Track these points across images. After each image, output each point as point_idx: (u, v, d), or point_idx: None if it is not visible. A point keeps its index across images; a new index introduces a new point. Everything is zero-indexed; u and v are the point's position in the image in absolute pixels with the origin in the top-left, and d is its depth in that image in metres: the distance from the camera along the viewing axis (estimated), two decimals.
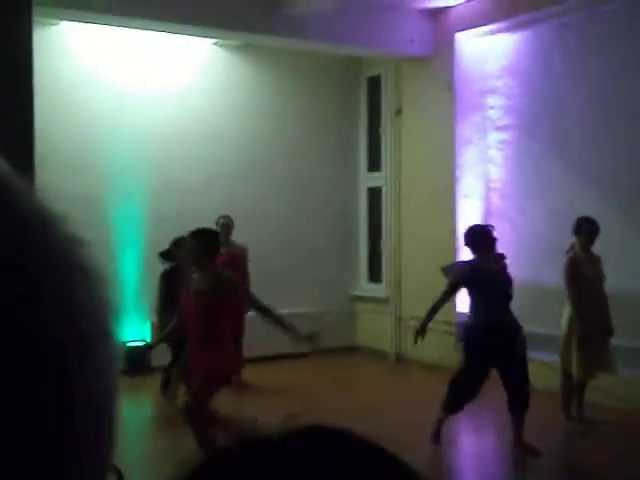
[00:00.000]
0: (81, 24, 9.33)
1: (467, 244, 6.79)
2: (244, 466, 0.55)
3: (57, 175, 9.40)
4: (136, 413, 8.32)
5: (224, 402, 8.41)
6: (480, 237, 6.70)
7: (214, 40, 10.40)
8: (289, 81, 11.30)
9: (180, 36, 9.79)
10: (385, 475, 0.57)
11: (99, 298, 0.52)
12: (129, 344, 9.32)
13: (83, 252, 0.52)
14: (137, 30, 9.41)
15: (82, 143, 9.66)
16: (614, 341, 7.22)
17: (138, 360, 8.85)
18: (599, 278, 7.04)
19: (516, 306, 7.12)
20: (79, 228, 0.53)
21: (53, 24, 9.38)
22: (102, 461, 0.53)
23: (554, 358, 7.43)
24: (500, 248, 6.94)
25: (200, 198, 10.22)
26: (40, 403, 0.47)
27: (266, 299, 10.63)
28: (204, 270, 5.61)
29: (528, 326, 7.48)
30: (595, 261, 7.11)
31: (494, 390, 6.82)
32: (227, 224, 8.84)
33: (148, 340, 9.07)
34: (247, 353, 10.02)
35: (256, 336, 10.30)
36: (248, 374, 9.42)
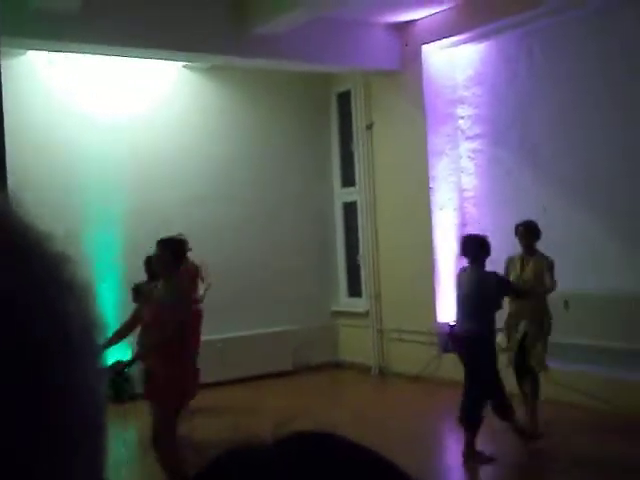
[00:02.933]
0: (49, 53, 9.32)
1: (460, 253, 7.11)
2: (242, 471, 0.57)
3: (32, 204, 9.37)
4: (122, 440, 8.26)
5: (201, 427, 8.38)
6: (469, 246, 6.94)
7: (184, 63, 10.42)
8: (259, 101, 11.34)
9: (150, 60, 9.80)
10: (378, 474, 0.59)
11: (84, 312, 0.53)
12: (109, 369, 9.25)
13: (68, 269, 0.53)
14: (107, 56, 9.40)
15: (53, 171, 9.62)
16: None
17: (120, 382, 8.80)
18: (527, 280, 7.23)
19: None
20: (64, 245, 0.55)
21: (20, 54, 9.37)
22: (95, 470, 0.54)
23: None
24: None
25: (175, 220, 10.17)
26: (29, 414, 0.48)
27: (246, 318, 10.72)
28: (169, 279, 5.59)
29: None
30: (533, 264, 7.27)
31: None
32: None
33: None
34: (226, 375, 10.03)
35: (235, 357, 10.31)
36: (229, 397, 9.40)
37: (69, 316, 0.52)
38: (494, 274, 6.88)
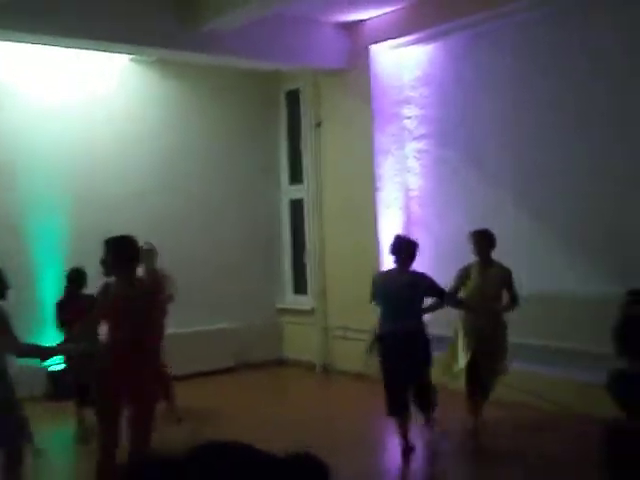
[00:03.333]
0: None
1: (392, 252, 7.02)
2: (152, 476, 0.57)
3: None
4: (61, 438, 8.16)
5: None
6: (403, 247, 6.93)
7: (131, 56, 10.31)
8: (208, 96, 11.28)
9: (98, 51, 9.67)
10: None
11: None
12: (51, 367, 9.13)
13: None
14: (53, 46, 9.25)
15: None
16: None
17: (62, 382, 8.69)
18: (487, 293, 7.25)
19: (441, 312, 7.32)
20: None
21: None
22: None
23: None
24: (420, 254, 7.10)
25: (118, 214, 10.09)
26: None
27: (190, 315, 10.65)
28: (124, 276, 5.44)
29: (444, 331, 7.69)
30: (495, 275, 7.27)
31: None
32: (150, 250, 8.49)
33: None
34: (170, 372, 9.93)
35: (177, 354, 10.23)
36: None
37: None
38: (428, 278, 6.97)
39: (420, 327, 6.86)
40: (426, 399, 7.05)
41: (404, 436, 6.88)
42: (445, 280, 7.37)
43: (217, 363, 10.78)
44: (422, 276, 6.94)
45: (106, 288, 5.41)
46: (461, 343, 7.36)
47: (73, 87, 10.17)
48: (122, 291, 5.33)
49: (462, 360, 7.34)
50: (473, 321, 7.27)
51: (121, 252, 5.38)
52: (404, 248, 6.92)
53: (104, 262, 5.43)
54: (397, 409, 6.86)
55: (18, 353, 5.19)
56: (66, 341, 6.91)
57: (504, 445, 7.19)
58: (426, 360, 6.88)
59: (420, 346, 6.81)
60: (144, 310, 5.38)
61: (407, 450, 6.88)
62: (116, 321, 5.33)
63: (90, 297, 7.39)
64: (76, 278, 8.03)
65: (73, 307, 7.74)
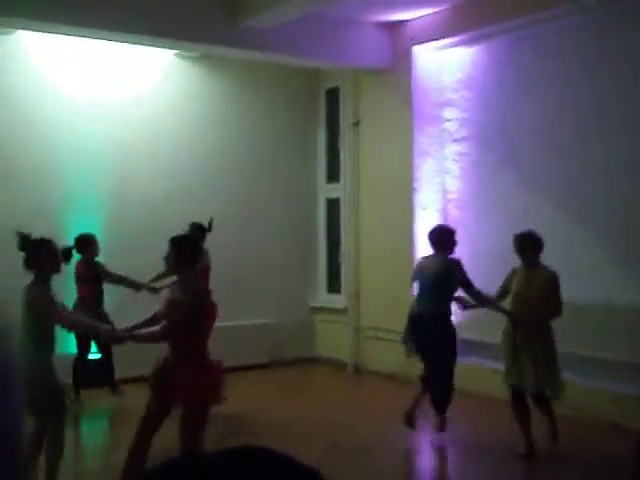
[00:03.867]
0: (40, 34, 9.26)
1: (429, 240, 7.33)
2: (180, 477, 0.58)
3: (13, 185, 9.34)
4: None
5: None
6: (435, 236, 7.27)
7: (175, 51, 10.38)
8: (249, 93, 11.33)
9: (142, 46, 9.75)
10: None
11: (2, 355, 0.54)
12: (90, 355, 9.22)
13: None
14: (98, 40, 9.34)
15: (39, 154, 9.58)
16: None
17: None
18: (533, 298, 6.80)
19: (471, 313, 7.30)
20: None
21: (7, 33, 9.30)
22: None
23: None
24: (457, 256, 7.17)
25: (158, 211, 10.19)
26: None
27: (226, 311, 10.66)
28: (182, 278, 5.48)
29: (474, 334, 7.66)
30: (532, 276, 6.86)
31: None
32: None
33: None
34: None
35: (210, 348, 10.27)
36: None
37: None
38: (459, 267, 7.14)
39: (445, 311, 7.09)
40: (439, 394, 7.04)
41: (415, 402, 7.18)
42: (483, 283, 7.32)
43: (251, 359, 10.81)
44: (453, 263, 7.15)
45: (196, 292, 5.37)
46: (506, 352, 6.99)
47: (117, 83, 10.25)
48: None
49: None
50: (509, 328, 6.96)
51: (184, 250, 5.42)
52: (440, 235, 7.24)
53: (167, 259, 5.48)
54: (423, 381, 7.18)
55: (65, 325, 5.44)
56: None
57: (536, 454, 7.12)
58: (444, 348, 6.99)
59: (442, 332, 7.02)
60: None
61: (407, 415, 7.18)
62: (200, 326, 5.35)
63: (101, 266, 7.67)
64: (90, 244, 8.30)
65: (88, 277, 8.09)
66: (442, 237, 7.21)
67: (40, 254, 5.33)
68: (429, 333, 6.99)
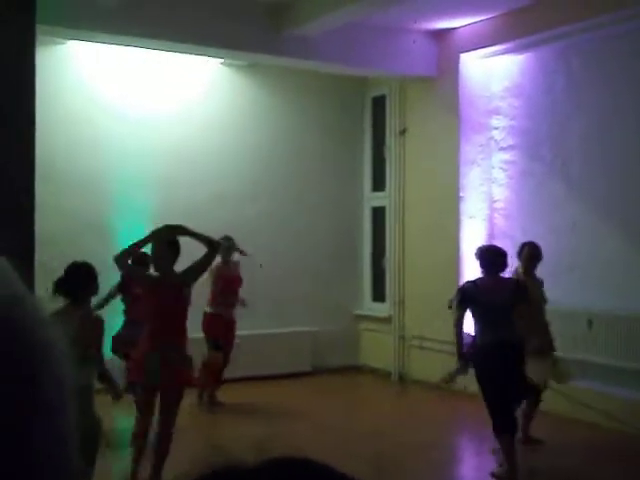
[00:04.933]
0: (88, 44, 9.40)
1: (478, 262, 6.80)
2: None
3: (60, 192, 9.48)
4: None
5: (217, 425, 8.43)
6: (485, 256, 6.71)
7: (221, 60, 10.46)
8: (295, 101, 11.36)
9: (188, 55, 9.85)
10: None
11: (58, 374, 0.53)
12: None
13: (43, 332, 0.53)
14: (144, 49, 9.46)
15: (87, 162, 9.71)
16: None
17: None
18: (539, 301, 7.12)
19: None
20: (39, 306, 0.55)
21: (60, 43, 9.46)
22: None
23: None
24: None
25: (205, 217, 10.23)
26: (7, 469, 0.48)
27: (270, 317, 10.75)
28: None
29: None
30: (536, 285, 7.20)
31: None
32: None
33: None
34: (245, 373, 10.05)
35: (254, 355, 10.32)
36: (245, 394, 9.44)
37: (42, 380, 0.52)
38: (513, 281, 6.83)
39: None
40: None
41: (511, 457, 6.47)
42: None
43: (295, 367, 10.81)
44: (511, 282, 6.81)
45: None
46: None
47: (164, 92, 10.36)
48: None
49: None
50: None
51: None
52: (477, 257, 6.77)
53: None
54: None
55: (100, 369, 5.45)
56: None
57: (575, 465, 7.01)
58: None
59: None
60: None
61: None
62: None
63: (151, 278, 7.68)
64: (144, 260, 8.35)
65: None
66: (489, 258, 6.68)
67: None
68: (508, 366, 6.39)
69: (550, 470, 6.98)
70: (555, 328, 7.43)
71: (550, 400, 7.59)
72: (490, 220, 10.18)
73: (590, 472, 6.80)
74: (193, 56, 9.90)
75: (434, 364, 9.93)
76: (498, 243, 9.40)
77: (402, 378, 10.86)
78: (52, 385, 0.54)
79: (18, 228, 4.11)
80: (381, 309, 11.46)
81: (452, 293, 8.64)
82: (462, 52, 10.06)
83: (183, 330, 5.91)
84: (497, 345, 6.37)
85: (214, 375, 8.80)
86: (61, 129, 9.51)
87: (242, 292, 9.06)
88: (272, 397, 9.51)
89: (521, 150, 9.87)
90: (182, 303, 5.87)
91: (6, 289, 0.54)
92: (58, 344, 0.56)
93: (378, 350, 11.28)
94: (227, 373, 9.11)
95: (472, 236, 9.95)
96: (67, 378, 0.56)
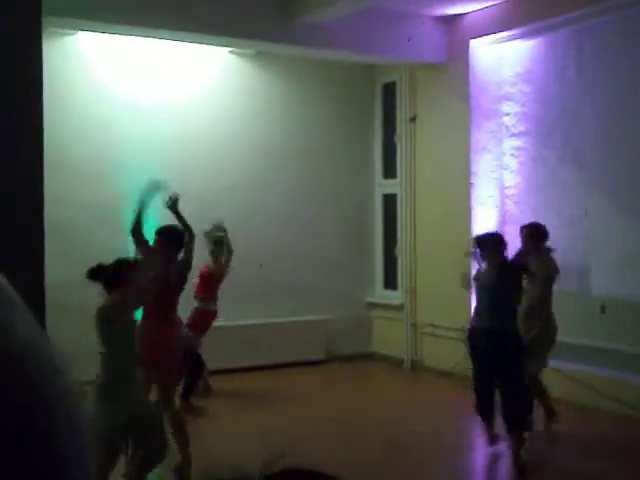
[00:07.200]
0: (97, 34, 9.40)
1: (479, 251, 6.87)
2: None
3: (70, 184, 9.50)
4: None
5: (234, 413, 8.46)
6: (483, 244, 6.83)
7: (230, 48, 10.44)
8: (305, 89, 11.33)
9: (196, 44, 9.83)
10: None
11: (75, 423, 0.53)
12: None
13: (58, 379, 0.52)
14: (153, 39, 9.45)
15: (96, 152, 9.72)
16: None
17: None
18: (545, 280, 7.18)
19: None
20: (54, 352, 0.53)
21: (69, 34, 9.46)
22: None
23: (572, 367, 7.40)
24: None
25: (216, 207, 10.24)
26: None
27: (282, 306, 10.76)
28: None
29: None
30: (543, 263, 7.16)
31: None
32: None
33: None
34: (258, 361, 10.08)
35: (267, 344, 10.35)
36: (258, 382, 9.47)
37: (59, 433, 0.51)
38: (510, 263, 6.86)
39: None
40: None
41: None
42: None
43: (307, 355, 10.83)
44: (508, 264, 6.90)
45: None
46: None
47: (174, 82, 10.34)
48: None
49: None
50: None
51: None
52: (483, 245, 6.85)
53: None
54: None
55: None
56: None
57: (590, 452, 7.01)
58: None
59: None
60: None
61: (492, 442, 6.78)
62: None
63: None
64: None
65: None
66: (485, 246, 6.83)
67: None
68: (500, 356, 6.56)
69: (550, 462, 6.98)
70: (567, 313, 7.42)
71: (560, 387, 7.58)
72: (501, 207, 10.15)
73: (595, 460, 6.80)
74: (201, 46, 9.88)
75: (446, 352, 9.93)
76: (509, 229, 9.39)
77: (414, 366, 10.86)
78: (69, 436, 0.53)
79: (28, 221, 4.13)
80: (393, 297, 11.46)
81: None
82: (472, 38, 10.00)
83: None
84: (478, 331, 6.63)
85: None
86: (71, 121, 9.52)
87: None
88: (285, 385, 9.54)
89: (532, 136, 9.82)
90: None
91: (26, 329, 0.53)
92: (72, 391, 0.55)
93: (390, 338, 11.28)
94: (242, 362, 9.12)
95: (483, 223, 9.92)
96: (83, 425, 0.55)
